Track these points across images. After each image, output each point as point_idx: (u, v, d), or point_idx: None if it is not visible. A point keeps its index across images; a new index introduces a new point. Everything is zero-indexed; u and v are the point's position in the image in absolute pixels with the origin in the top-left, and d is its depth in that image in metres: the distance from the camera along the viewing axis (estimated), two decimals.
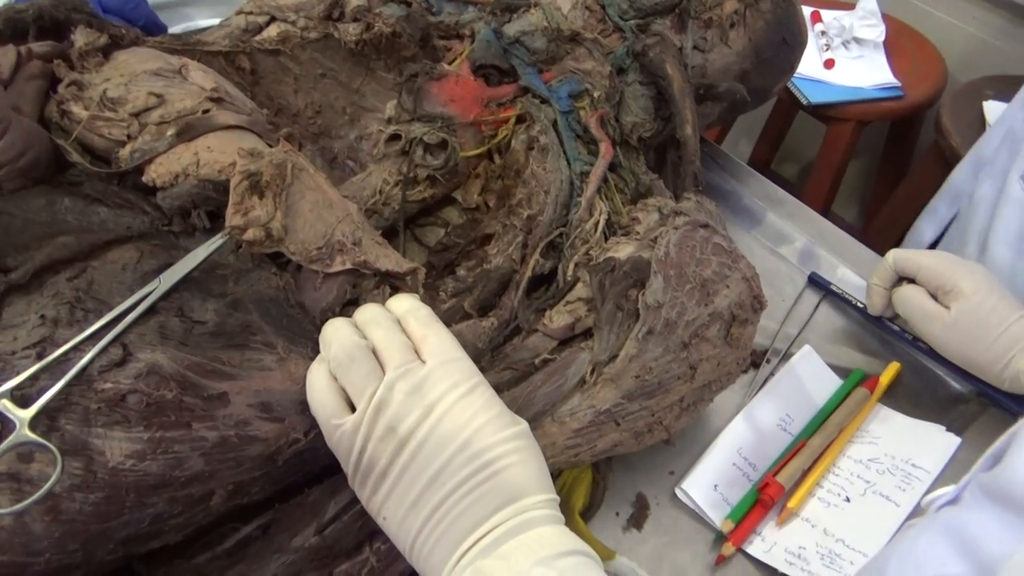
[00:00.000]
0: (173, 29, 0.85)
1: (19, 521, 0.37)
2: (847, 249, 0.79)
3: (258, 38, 0.68)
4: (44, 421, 0.38)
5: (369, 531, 0.46)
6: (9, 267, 0.43)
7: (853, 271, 0.76)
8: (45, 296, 0.41)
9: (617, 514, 0.58)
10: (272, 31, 0.69)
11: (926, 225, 1.01)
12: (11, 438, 0.36)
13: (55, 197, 0.48)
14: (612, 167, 0.66)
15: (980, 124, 1.43)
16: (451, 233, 0.67)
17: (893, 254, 0.67)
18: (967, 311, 0.62)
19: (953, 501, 0.36)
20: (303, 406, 0.43)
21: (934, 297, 0.65)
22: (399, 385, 0.40)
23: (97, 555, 0.40)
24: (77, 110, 0.51)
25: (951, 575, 0.32)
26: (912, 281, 0.67)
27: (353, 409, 0.41)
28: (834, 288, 0.74)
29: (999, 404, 0.64)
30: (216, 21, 0.97)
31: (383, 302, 0.48)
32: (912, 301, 0.65)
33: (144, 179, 0.49)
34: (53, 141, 0.49)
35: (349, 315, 0.47)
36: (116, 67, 0.55)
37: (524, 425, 0.42)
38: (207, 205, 0.48)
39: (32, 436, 0.37)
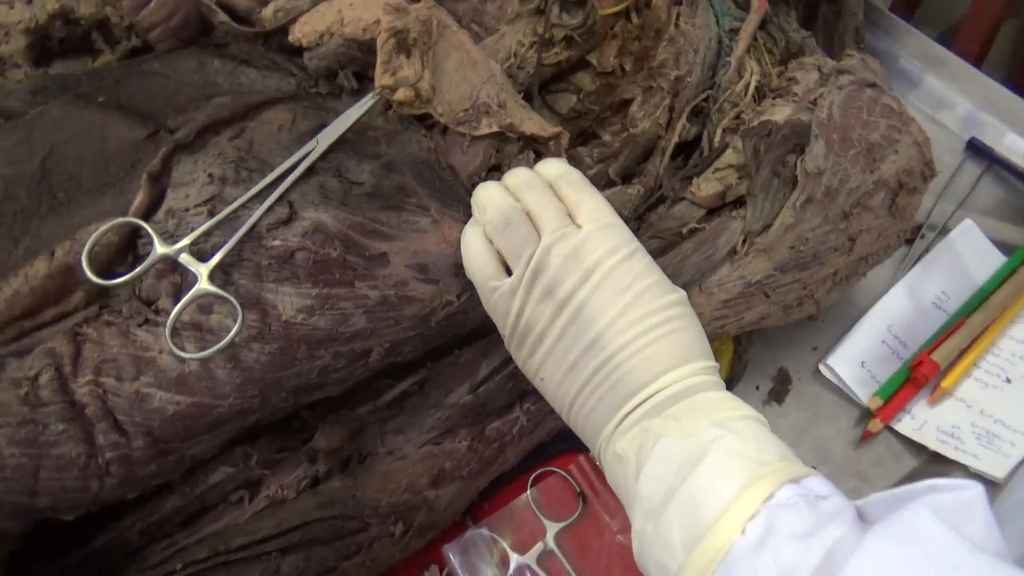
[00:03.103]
0: None
1: (204, 367, 0.39)
2: (1018, 113, 0.71)
3: None
4: (220, 275, 0.39)
5: (520, 391, 0.47)
6: (171, 128, 0.44)
7: (1023, 138, 0.69)
8: (210, 155, 0.42)
9: (757, 388, 0.58)
10: None
11: None
12: (195, 290, 0.38)
13: (205, 58, 0.48)
14: (761, 23, 0.61)
15: None
16: (584, 100, 0.64)
17: None
18: None
19: None
20: (457, 268, 0.43)
21: None
22: (556, 248, 0.40)
23: (271, 401, 0.42)
24: None
25: None
26: None
27: (509, 272, 0.41)
28: (998, 155, 0.68)
29: None
30: None
31: (529, 166, 0.47)
32: None
33: (290, 39, 0.48)
34: (198, 1, 0.49)
35: (493, 179, 0.46)
36: None
37: (682, 293, 0.41)
38: (353, 65, 0.48)
39: (214, 288, 0.38)
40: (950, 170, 0.69)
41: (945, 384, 0.55)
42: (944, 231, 0.64)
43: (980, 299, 0.59)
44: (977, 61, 1.61)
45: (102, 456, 0.38)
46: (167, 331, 0.38)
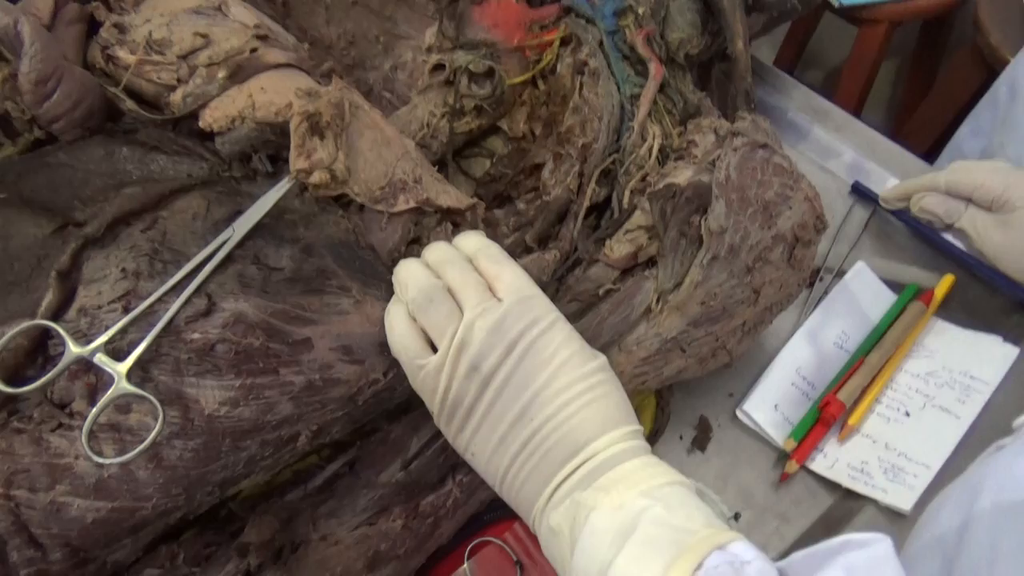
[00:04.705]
0: None
1: (125, 470, 0.38)
2: (897, 160, 0.77)
3: None
4: (138, 373, 0.38)
5: (451, 465, 0.47)
6: (79, 221, 0.43)
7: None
8: (122, 249, 0.41)
9: (681, 437, 0.60)
10: None
11: (968, 137, 0.98)
12: (112, 390, 0.37)
13: (113, 147, 0.48)
14: (660, 88, 0.64)
15: (1021, 20, 1.37)
16: (497, 164, 0.66)
17: (946, 177, 0.65)
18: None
19: None
20: (382, 347, 0.44)
21: (989, 209, 0.64)
22: (479, 324, 0.40)
23: (197, 497, 0.41)
24: (123, 55, 0.49)
25: None
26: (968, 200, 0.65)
27: (434, 349, 0.41)
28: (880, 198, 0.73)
29: None
30: None
31: (447, 239, 0.48)
32: (975, 221, 0.64)
33: (200, 124, 0.48)
34: (103, 89, 0.48)
35: (413, 254, 0.47)
36: (154, 6, 0.53)
37: (603, 358, 0.42)
38: (267, 149, 0.48)
39: (132, 388, 0.37)
40: (841, 215, 0.74)
41: (851, 421, 0.58)
42: (840, 273, 0.69)
43: (876, 337, 0.63)
44: (858, 106, 1.72)
45: (16, 574, 0.36)
46: (83, 436, 0.37)
